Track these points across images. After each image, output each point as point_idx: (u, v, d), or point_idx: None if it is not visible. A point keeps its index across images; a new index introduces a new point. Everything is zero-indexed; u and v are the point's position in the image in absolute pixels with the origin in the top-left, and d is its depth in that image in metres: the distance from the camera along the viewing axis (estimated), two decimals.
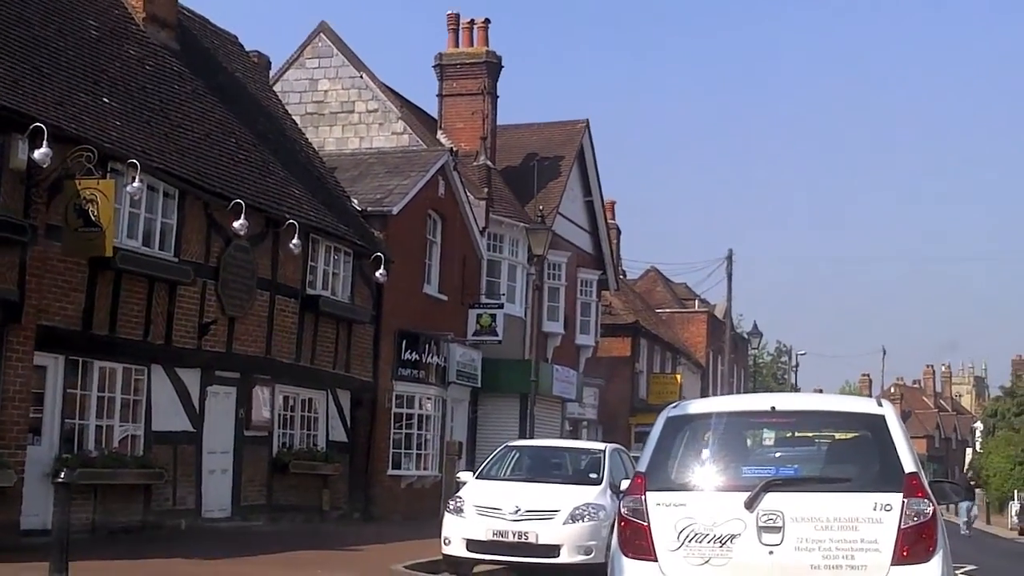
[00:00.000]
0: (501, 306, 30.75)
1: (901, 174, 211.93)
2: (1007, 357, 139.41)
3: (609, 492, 17.19)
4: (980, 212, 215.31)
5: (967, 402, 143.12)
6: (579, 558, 16.22)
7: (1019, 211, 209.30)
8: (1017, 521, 52.48)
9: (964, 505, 43.65)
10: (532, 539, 16.32)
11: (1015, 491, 66.36)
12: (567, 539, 16.30)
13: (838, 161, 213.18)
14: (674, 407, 8.71)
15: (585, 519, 16.40)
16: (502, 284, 32.06)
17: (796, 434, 8.78)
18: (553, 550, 16.28)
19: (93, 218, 16.96)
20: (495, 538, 16.40)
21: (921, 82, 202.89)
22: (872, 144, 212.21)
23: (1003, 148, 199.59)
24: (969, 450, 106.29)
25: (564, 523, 16.38)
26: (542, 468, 18.57)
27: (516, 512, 16.50)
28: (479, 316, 30.24)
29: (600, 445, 19.92)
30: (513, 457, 18.90)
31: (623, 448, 20.30)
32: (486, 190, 31.74)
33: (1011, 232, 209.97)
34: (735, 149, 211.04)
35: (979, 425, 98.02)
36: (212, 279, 21.47)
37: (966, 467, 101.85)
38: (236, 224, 20.25)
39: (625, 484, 17.65)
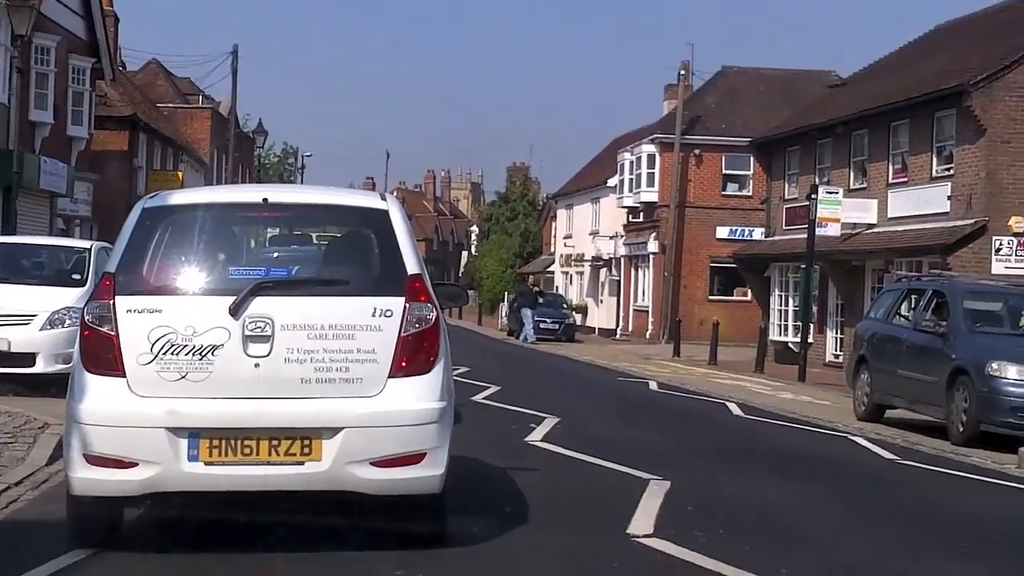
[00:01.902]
0: None
1: None
2: (503, 165, 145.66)
3: None
4: (494, 29, 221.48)
5: (464, 207, 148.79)
6: (58, 367, 14.77)
7: (520, 25, 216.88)
8: (507, 322, 54.50)
9: (528, 312, 44.14)
10: (3, 347, 14.78)
11: (505, 293, 69.49)
12: (44, 346, 14.89)
13: None
14: (152, 197, 7.66)
15: (65, 324, 14.96)
16: None
17: (294, 231, 8.04)
18: (28, 359, 14.82)
19: None
20: None
21: None
22: None
23: None
24: (465, 253, 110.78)
25: (41, 329, 14.96)
26: (17, 268, 16.64)
27: None
28: None
29: (85, 243, 18.09)
30: None
31: (111, 247, 18.51)
32: None
33: (504, 49, 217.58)
34: None
35: (475, 229, 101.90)
36: None
37: (461, 270, 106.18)
38: None
39: None
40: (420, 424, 6.78)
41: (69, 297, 15.27)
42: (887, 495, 11.24)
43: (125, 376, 6.66)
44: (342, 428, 6.66)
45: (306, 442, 6.65)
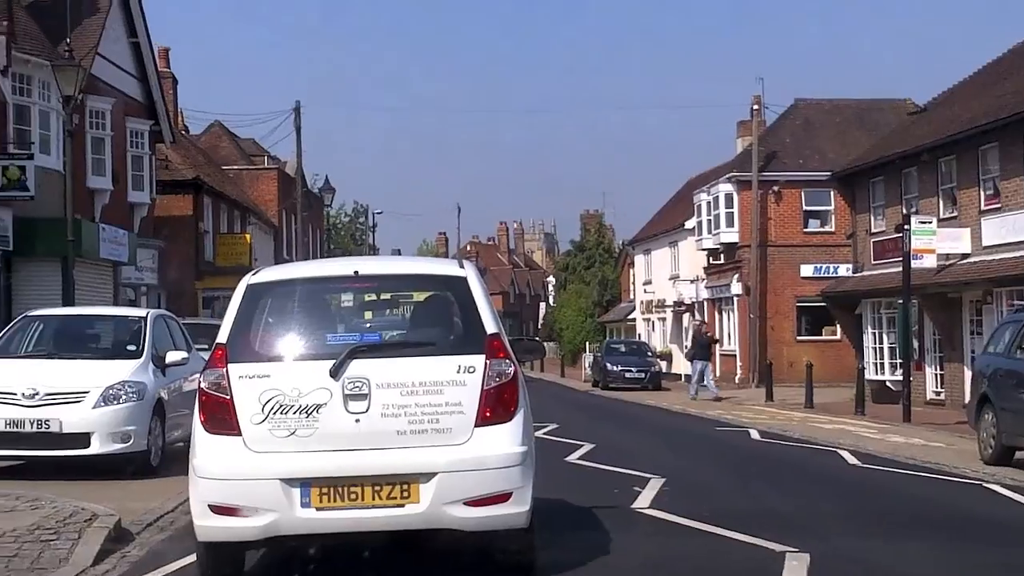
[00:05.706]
0: (31, 156, 26.43)
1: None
2: (575, 213, 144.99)
3: (152, 367, 14.61)
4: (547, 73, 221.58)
5: (538, 258, 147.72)
6: (115, 447, 13.67)
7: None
8: (591, 373, 52.99)
9: (698, 365, 38.67)
10: (55, 428, 13.54)
11: (587, 343, 67.97)
12: (99, 425, 13.60)
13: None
14: (255, 274, 8.39)
15: (121, 400, 13.80)
16: (34, 132, 27.61)
17: (381, 299, 8.80)
18: (81, 439, 13.54)
19: None
20: (9, 429, 13.47)
21: None
22: None
23: None
24: (543, 304, 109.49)
25: (95, 406, 13.65)
26: (70, 341, 15.43)
27: (34, 396, 13.63)
28: (5, 169, 25.80)
29: (141, 311, 16.95)
30: (35, 329, 15.65)
31: (170, 314, 17.39)
32: (6, 23, 27.15)
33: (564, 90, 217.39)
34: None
35: (552, 280, 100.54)
36: None
37: (540, 321, 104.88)
38: None
39: (173, 356, 15.01)
40: (505, 467, 7.51)
41: (124, 371, 14.17)
42: None
43: (241, 435, 7.46)
44: (436, 473, 7.40)
45: (405, 487, 7.42)
